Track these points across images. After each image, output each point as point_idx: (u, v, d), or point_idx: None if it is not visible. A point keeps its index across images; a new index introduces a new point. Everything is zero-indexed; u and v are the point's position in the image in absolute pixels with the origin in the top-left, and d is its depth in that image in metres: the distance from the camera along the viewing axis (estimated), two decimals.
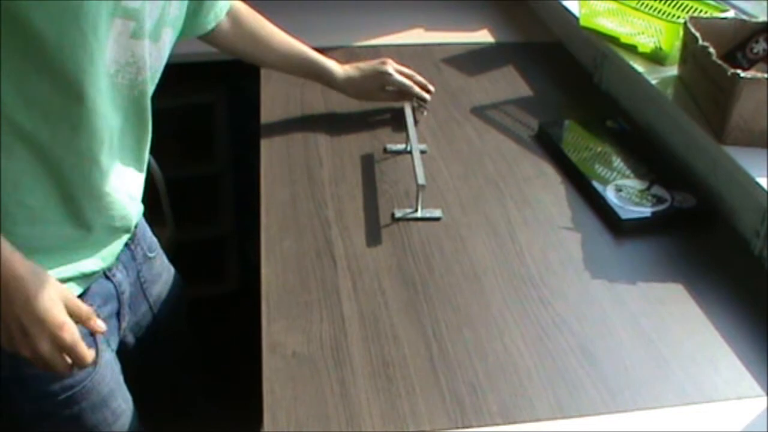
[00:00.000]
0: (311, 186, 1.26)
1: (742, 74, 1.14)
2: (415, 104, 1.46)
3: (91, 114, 0.89)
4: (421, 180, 1.18)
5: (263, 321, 0.98)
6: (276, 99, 1.51)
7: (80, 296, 1.00)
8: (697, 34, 1.28)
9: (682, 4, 1.52)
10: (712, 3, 1.48)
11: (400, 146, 1.37)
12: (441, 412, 0.86)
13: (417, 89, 1.47)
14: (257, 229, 1.15)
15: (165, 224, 1.64)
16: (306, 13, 1.93)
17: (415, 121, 1.39)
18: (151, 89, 0.99)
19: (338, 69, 1.44)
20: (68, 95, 0.87)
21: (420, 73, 1.49)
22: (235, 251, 2.24)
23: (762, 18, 1.41)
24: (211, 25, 1.25)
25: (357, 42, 1.80)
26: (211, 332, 1.84)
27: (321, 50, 1.50)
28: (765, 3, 1.52)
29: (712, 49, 1.23)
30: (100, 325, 0.94)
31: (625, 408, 0.87)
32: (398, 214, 1.19)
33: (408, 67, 1.51)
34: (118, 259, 1.07)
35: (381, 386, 0.89)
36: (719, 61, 1.20)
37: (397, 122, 1.45)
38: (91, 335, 0.98)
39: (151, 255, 1.19)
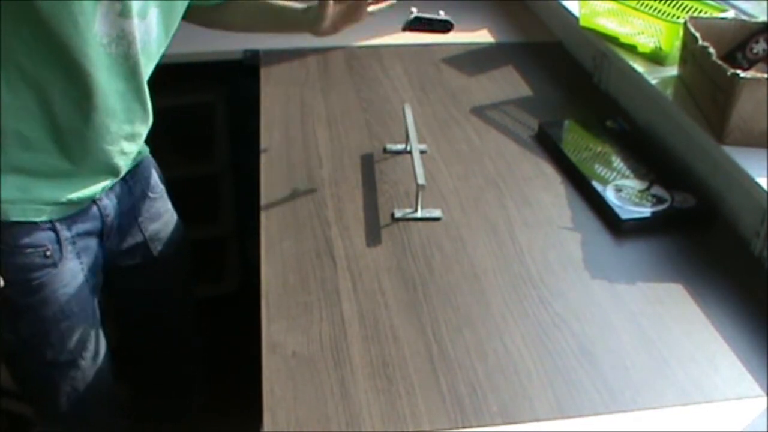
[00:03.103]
0: (311, 186, 1.26)
1: (742, 74, 1.14)
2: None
3: (83, 73, 1.01)
4: (421, 180, 1.18)
5: (263, 321, 0.98)
6: (276, 99, 1.51)
7: (67, 218, 1.12)
8: (697, 34, 1.28)
9: (682, 4, 1.52)
10: (712, 3, 1.48)
11: (400, 146, 1.37)
12: (441, 412, 0.86)
13: None
14: (257, 229, 1.15)
15: None
16: None
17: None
18: (145, 62, 1.10)
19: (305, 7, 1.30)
20: (62, 55, 0.98)
21: (420, 73, 1.48)
22: (235, 251, 2.24)
23: (762, 18, 1.41)
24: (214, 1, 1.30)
25: (357, 42, 1.80)
26: (210, 332, 1.84)
27: (321, 50, 1.50)
28: (765, 3, 1.52)
29: (712, 49, 1.23)
30: None
31: (625, 408, 0.87)
32: (398, 214, 1.19)
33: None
34: (104, 190, 1.18)
35: (381, 386, 0.89)
36: (719, 61, 1.20)
37: (397, 122, 1.45)
38: (57, 242, 1.11)
39: (151, 195, 1.30)
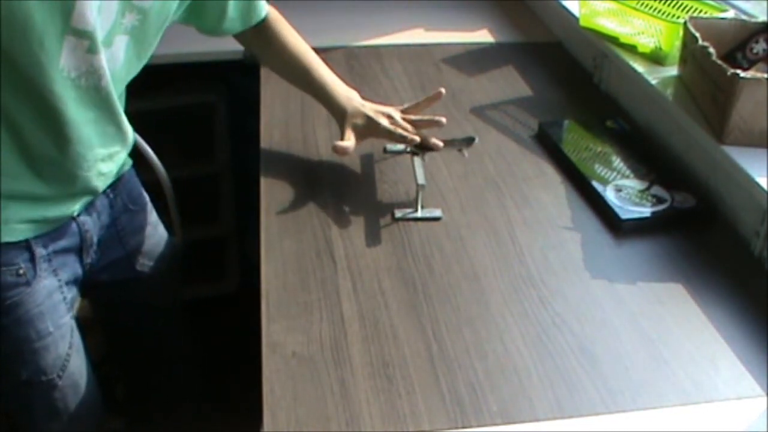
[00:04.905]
0: (311, 186, 1.26)
1: (742, 74, 1.14)
2: (418, 152, 1.26)
3: (52, 107, 0.98)
4: (421, 180, 1.18)
5: (263, 321, 0.98)
6: (276, 99, 1.51)
7: (43, 236, 1.09)
8: (697, 34, 1.28)
9: (682, 4, 1.52)
10: (712, 3, 1.48)
11: (400, 146, 1.37)
12: (441, 412, 0.86)
13: (408, 137, 1.25)
14: (257, 229, 1.15)
15: (173, 231, 1.64)
16: (306, 13, 1.93)
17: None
18: (117, 88, 1.07)
19: (342, 104, 1.30)
20: (28, 89, 0.95)
21: (420, 73, 1.46)
22: (235, 251, 2.24)
23: (762, 18, 1.41)
24: (237, 30, 1.30)
25: (357, 42, 1.80)
26: (210, 332, 1.84)
27: (321, 50, 1.49)
28: (765, 3, 1.52)
29: (712, 49, 1.23)
30: None
31: (624, 408, 0.87)
32: (398, 214, 1.19)
33: (417, 110, 1.32)
34: (83, 206, 1.15)
35: (381, 386, 0.89)
36: (719, 61, 1.20)
37: None
38: (30, 260, 1.08)
39: (132, 208, 1.27)
